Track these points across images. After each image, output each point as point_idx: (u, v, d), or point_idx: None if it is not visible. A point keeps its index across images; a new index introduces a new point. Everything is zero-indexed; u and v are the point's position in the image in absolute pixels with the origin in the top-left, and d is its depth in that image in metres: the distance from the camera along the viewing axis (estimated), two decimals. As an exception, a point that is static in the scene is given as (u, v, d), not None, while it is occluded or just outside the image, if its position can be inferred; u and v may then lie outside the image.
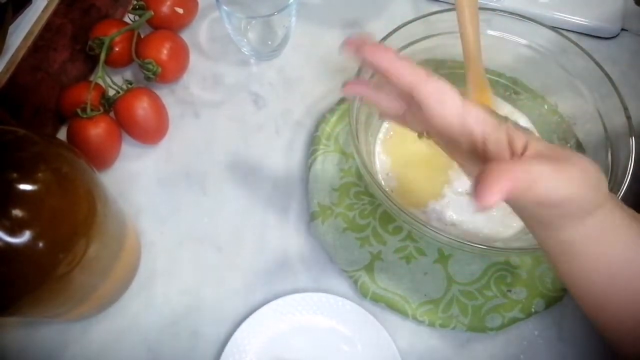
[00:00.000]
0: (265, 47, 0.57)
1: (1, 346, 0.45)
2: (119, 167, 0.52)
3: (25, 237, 0.32)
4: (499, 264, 0.47)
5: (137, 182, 0.52)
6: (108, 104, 0.51)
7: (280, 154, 0.53)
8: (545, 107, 0.52)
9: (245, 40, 0.56)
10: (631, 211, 0.31)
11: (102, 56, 0.51)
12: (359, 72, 0.44)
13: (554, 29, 0.47)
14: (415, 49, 0.49)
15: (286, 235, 0.50)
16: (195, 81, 0.57)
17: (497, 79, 0.52)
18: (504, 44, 0.50)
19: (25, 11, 0.47)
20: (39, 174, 0.34)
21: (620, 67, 0.58)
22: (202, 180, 0.52)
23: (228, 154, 0.53)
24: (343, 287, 0.47)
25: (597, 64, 0.45)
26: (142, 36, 0.54)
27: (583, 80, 0.47)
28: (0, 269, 0.32)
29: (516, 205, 0.30)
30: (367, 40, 0.32)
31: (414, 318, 0.45)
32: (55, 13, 0.49)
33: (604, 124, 0.45)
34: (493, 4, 0.60)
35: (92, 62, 0.56)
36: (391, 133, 0.51)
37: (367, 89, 0.37)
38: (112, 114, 0.51)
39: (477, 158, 0.31)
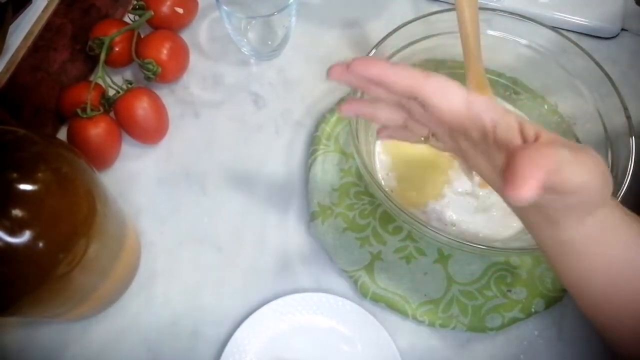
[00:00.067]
0: (265, 47, 0.57)
1: (1, 346, 0.45)
2: (119, 167, 0.52)
3: (25, 237, 0.32)
4: (499, 264, 0.47)
5: (137, 182, 0.52)
6: (108, 104, 0.51)
7: (280, 153, 0.53)
8: (545, 107, 0.52)
9: (245, 40, 0.56)
10: (631, 213, 0.31)
11: (102, 56, 0.51)
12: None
13: (554, 29, 0.47)
14: (415, 49, 0.49)
15: (286, 235, 0.50)
16: (195, 81, 0.57)
17: (497, 79, 0.52)
18: (504, 44, 0.50)
19: (25, 11, 0.47)
20: (39, 174, 0.34)
21: (620, 67, 0.58)
22: (202, 180, 0.52)
23: (228, 154, 0.53)
24: (343, 287, 0.47)
25: (597, 64, 0.45)
26: (142, 36, 0.54)
27: (583, 80, 0.47)
28: (0, 269, 0.32)
29: None
30: (349, 63, 0.31)
31: (414, 318, 0.45)
32: (55, 13, 0.49)
33: (604, 124, 0.45)
34: (493, 4, 0.60)
35: (92, 62, 0.56)
36: (391, 133, 0.51)
37: (364, 105, 0.36)
38: (112, 114, 0.51)
39: (487, 150, 0.30)
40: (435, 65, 0.51)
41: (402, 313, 0.45)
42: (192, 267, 0.48)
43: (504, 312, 0.45)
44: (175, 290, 0.47)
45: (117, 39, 0.53)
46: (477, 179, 0.49)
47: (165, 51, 0.53)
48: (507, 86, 0.53)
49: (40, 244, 0.32)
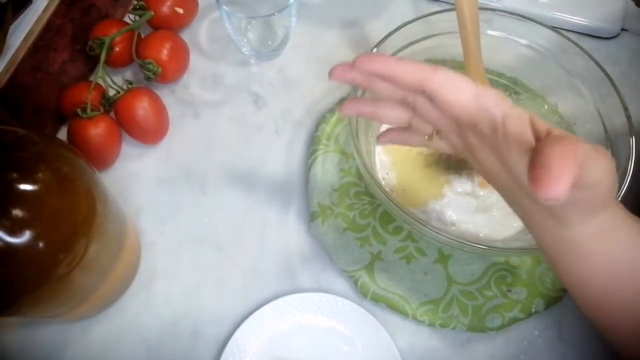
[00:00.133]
0: (265, 47, 0.57)
1: (1, 346, 0.45)
2: (119, 167, 0.52)
3: (25, 237, 0.32)
4: (499, 264, 0.47)
5: (137, 182, 0.52)
6: (108, 104, 0.51)
7: (280, 153, 0.53)
8: (545, 107, 0.52)
9: (245, 40, 0.56)
10: (632, 215, 0.31)
11: (102, 56, 0.51)
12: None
13: (554, 29, 0.47)
14: (415, 49, 0.49)
15: (286, 235, 0.50)
16: (195, 81, 0.57)
17: (497, 79, 0.52)
18: (504, 44, 0.50)
19: (25, 11, 0.47)
20: (39, 174, 0.34)
21: (620, 67, 0.58)
22: (202, 180, 0.52)
23: (228, 154, 0.53)
24: (343, 287, 0.47)
25: (597, 64, 0.45)
26: (142, 36, 0.54)
27: (583, 80, 0.47)
28: (0, 269, 0.32)
29: None
30: (355, 59, 0.31)
31: (414, 318, 0.45)
32: (55, 13, 0.49)
33: (604, 124, 0.45)
34: (493, 4, 0.60)
35: (92, 62, 0.56)
36: (391, 133, 0.51)
37: (366, 104, 0.36)
38: (112, 114, 0.51)
39: (497, 145, 0.30)
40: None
41: (402, 313, 0.45)
42: (192, 267, 0.48)
43: (504, 312, 0.45)
44: (175, 290, 0.47)
45: (117, 39, 0.53)
46: (476, 178, 0.49)
47: (165, 51, 0.53)
48: (507, 86, 0.53)
49: (40, 244, 0.32)
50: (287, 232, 0.50)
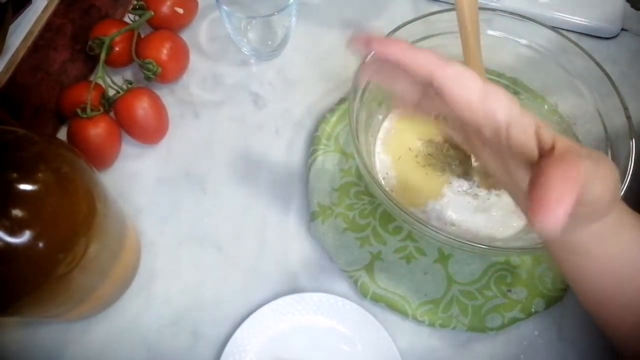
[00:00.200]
0: (265, 47, 0.57)
1: (1, 346, 0.45)
2: (119, 167, 0.52)
3: (25, 237, 0.32)
4: (499, 264, 0.47)
5: (137, 182, 0.52)
6: (108, 104, 0.51)
7: (280, 154, 0.53)
8: (545, 107, 0.52)
9: (245, 40, 0.56)
10: (635, 213, 0.31)
11: (102, 56, 0.51)
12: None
13: (554, 29, 0.47)
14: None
15: (286, 235, 0.50)
16: (195, 81, 0.57)
17: (497, 79, 0.52)
18: (504, 44, 0.49)
19: (25, 11, 0.47)
20: (39, 174, 0.34)
21: (620, 67, 0.58)
22: (202, 180, 0.52)
23: (228, 154, 0.53)
24: (343, 287, 0.47)
25: (597, 64, 0.45)
26: (142, 36, 0.54)
27: (583, 80, 0.47)
28: (0, 269, 0.32)
29: None
30: (373, 36, 0.30)
31: (414, 318, 0.45)
32: (55, 13, 0.49)
33: (604, 124, 0.45)
34: (493, 4, 0.60)
35: (92, 62, 0.56)
36: (392, 132, 0.51)
37: (385, 70, 0.34)
38: (112, 114, 0.51)
39: (499, 150, 0.30)
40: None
41: (402, 313, 0.45)
42: (192, 267, 0.48)
43: (504, 312, 0.45)
44: (175, 290, 0.47)
45: (117, 39, 0.53)
46: (476, 178, 0.49)
47: (165, 51, 0.53)
48: (507, 86, 0.53)
49: (40, 244, 0.32)
50: (287, 232, 0.50)
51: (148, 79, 0.53)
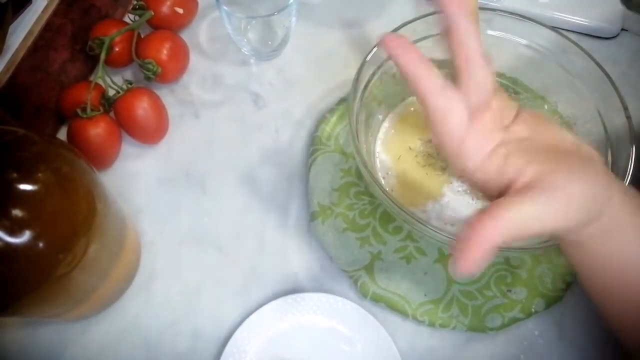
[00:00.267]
0: (265, 47, 0.57)
1: (1, 346, 0.45)
2: (119, 167, 0.52)
3: (25, 237, 0.32)
4: (499, 264, 0.47)
5: (137, 182, 0.52)
6: (108, 104, 0.51)
7: (280, 154, 0.53)
8: (545, 107, 0.52)
9: (245, 40, 0.56)
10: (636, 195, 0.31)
11: (102, 56, 0.51)
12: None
13: (554, 29, 0.47)
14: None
15: (286, 235, 0.50)
16: (195, 81, 0.57)
17: (497, 79, 0.52)
18: (504, 44, 0.49)
19: (25, 11, 0.47)
20: (39, 174, 0.34)
21: (620, 67, 0.58)
22: (202, 180, 0.52)
23: (228, 154, 0.53)
24: (343, 287, 0.47)
25: (597, 64, 0.45)
26: (142, 36, 0.54)
27: (583, 80, 0.47)
28: (0, 269, 0.32)
29: None
30: (384, 41, 0.31)
31: (414, 318, 0.45)
32: (55, 13, 0.49)
33: (604, 124, 0.45)
34: (493, 4, 0.59)
35: (92, 62, 0.56)
36: (392, 132, 0.51)
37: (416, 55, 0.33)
38: (112, 114, 0.51)
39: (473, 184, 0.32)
40: (436, 66, 0.51)
41: (402, 313, 0.45)
42: (192, 267, 0.48)
43: (504, 312, 0.45)
44: (175, 290, 0.47)
45: (117, 39, 0.53)
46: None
47: (165, 51, 0.53)
48: (507, 86, 0.53)
49: (40, 244, 0.32)
50: (287, 232, 0.50)
51: (148, 79, 0.53)
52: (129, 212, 0.48)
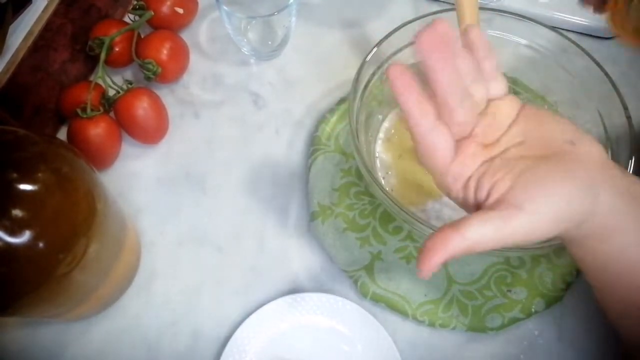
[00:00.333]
0: (265, 47, 0.57)
1: (1, 346, 0.45)
2: (119, 167, 0.52)
3: (25, 237, 0.32)
4: (499, 264, 0.47)
5: (137, 182, 0.52)
6: (108, 104, 0.51)
7: (280, 154, 0.53)
8: (545, 107, 0.52)
9: (245, 40, 0.56)
10: (633, 187, 0.31)
11: (102, 56, 0.51)
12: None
13: (554, 29, 0.47)
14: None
15: (286, 235, 0.50)
16: (195, 81, 0.57)
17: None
18: (504, 44, 0.49)
19: (25, 11, 0.47)
20: (39, 174, 0.34)
21: (620, 67, 0.58)
22: (202, 180, 0.52)
23: (228, 154, 0.53)
24: (343, 287, 0.47)
25: (597, 64, 0.45)
26: (142, 36, 0.54)
27: (583, 80, 0.47)
28: (0, 269, 0.32)
29: None
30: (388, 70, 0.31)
31: (414, 318, 0.45)
32: (55, 13, 0.49)
33: (604, 124, 0.45)
34: (493, 4, 0.59)
35: (92, 62, 0.56)
36: (392, 132, 0.51)
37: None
38: (112, 114, 0.51)
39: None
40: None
41: (402, 313, 0.45)
42: (192, 267, 0.48)
43: (504, 312, 0.45)
44: (175, 290, 0.47)
45: (117, 39, 0.53)
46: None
47: (165, 51, 0.53)
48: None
49: (40, 244, 0.32)
50: (287, 232, 0.50)
51: (148, 79, 0.53)
52: (129, 212, 0.48)
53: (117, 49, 0.53)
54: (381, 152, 0.51)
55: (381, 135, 0.51)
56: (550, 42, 0.48)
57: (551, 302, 0.46)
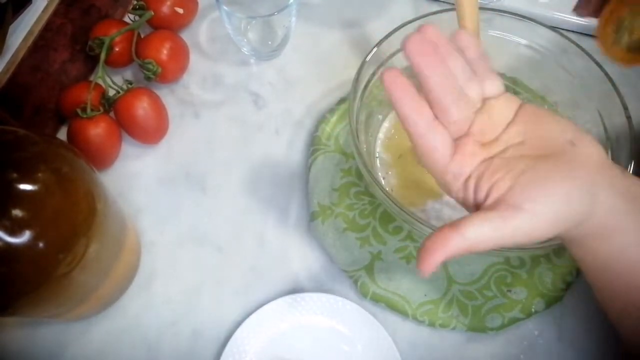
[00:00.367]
0: (265, 47, 0.57)
1: (1, 346, 0.45)
2: (119, 167, 0.52)
3: (25, 237, 0.32)
4: (499, 264, 0.47)
5: (137, 182, 0.52)
6: (108, 104, 0.51)
7: (280, 154, 0.53)
8: (545, 107, 0.52)
9: (245, 40, 0.56)
10: (634, 181, 0.31)
11: (102, 56, 0.51)
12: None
13: (554, 29, 0.47)
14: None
15: (286, 235, 0.50)
16: (195, 81, 0.57)
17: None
18: (504, 44, 0.49)
19: (25, 11, 0.48)
20: (39, 174, 0.34)
21: (620, 67, 0.58)
22: (202, 180, 0.52)
23: (228, 154, 0.53)
24: (343, 287, 0.47)
25: (597, 64, 0.45)
26: (142, 36, 0.55)
27: (583, 80, 0.47)
28: (0, 269, 0.32)
29: None
30: (383, 74, 0.32)
31: (414, 318, 0.45)
32: (55, 13, 0.49)
33: (604, 124, 0.45)
34: (493, 4, 0.59)
35: (92, 62, 0.56)
36: (392, 131, 0.51)
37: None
38: (112, 114, 0.51)
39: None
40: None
41: (402, 313, 0.45)
42: (192, 267, 0.48)
43: (504, 312, 0.45)
44: (175, 290, 0.47)
45: (117, 39, 0.53)
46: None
47: (165, 51, 0.53)
48: (507, 86, 0.52)
49: (40, 244, 0.32)
50: (287, 232, 0.50)
51: (148, 79, 0.53)
52: (129, 212, 0.48)
53: (117, 49, 0.53)
54: (381, 152, 0.51)
55: (381, 135, 0.51)
56: (550, 42, 0.48)
57: (551, 302, 0.46)
